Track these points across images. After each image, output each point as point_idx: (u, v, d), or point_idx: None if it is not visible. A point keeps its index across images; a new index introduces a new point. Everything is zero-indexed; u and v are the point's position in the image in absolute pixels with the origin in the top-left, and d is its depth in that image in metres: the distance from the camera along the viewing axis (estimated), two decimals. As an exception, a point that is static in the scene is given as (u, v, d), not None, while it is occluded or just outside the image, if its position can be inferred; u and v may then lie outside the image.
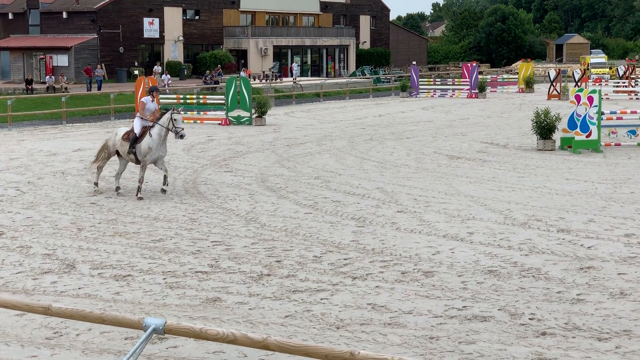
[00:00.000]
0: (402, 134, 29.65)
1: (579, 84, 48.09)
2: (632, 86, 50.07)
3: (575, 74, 50.58)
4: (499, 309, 9.76)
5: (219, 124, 34.11)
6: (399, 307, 9.88)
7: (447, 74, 79.06)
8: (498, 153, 24.21)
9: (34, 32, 70.58)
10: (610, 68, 68.61)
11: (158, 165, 17.64)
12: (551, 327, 9.13)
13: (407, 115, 38.42)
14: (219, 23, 76.55)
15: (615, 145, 24.85)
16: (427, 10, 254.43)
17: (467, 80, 51.91)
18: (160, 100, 36.64)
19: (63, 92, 50.92)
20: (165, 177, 17.46)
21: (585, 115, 23.69)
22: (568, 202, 16.46)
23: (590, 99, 23.74)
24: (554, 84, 49.25)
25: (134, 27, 69.13)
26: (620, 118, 25.09)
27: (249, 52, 76.32)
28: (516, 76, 59.71)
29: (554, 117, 24.50)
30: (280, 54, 79.25)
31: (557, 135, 25.04)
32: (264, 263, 11.99)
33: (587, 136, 23.89)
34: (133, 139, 17.44)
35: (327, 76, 79.05)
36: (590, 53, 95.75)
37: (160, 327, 5.08)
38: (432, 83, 55.85)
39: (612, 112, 25.34)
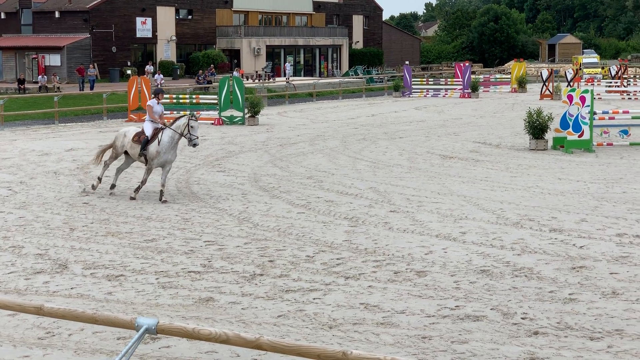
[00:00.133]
0: (394, 134, 29.67)
1: (571, 83, 48.18)
2: (624, 86, 50.19)
3: (567, 73, 50.69)
4: (491, 309, 9.77)
5: (212, 123, 34.08)
6: (392, 306, 9.89)
7: (440, 73, 79.12)
8: (491, 153, 24.24)
9: (27, 31, 70.42)
10: (603, 68, 68.75)
11: (164, 171, 17.20)
12: (543, 327, 9.15)
13: (399, 115, 38.44)
14: (212, 23, 76.49)
15: (608, 145, 24.91)
16: (420, 10, 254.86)
17: (460, 80, 51.97)
18: (153, 100, 36.62)
19: (55, 91, 50.84)
20: (161, 191, 17.03)
21: (578, 115, 23.73)
22: (560, 201, 16.49)
23: (583, 99, 23.79)
24: (547, 83, 49.34)
25: (126, 27, 69.04)
26: (613, 118, 25.15)
27: (241, 51, 76.29)
28: (509, 76, 59.80)
29: (547, 117, 24.55)
30: (273, 53, 79.24)
31: (549, 135, 25.09)
32: (256, 263, 11.99)
33: (579, 136, 23.94)
34: (145, 142, 17.12)
35: (320, 76, 79.08)
36: (583, 53, 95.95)
37: (153, 327, 5.08)
38: (424, 83, 55.93)
39: (604, 112, 25.40)
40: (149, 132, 17.23)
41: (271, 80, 66.75)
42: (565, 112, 23.93)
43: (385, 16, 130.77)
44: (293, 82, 59.94)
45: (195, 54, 73.12)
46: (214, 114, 34.82)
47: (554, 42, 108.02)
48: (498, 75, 65.06)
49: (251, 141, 27.83)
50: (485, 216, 15.09)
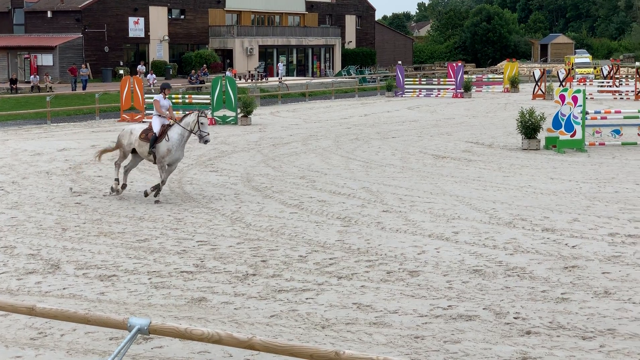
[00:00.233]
0: (387, 134, 29.68)
1: (563, 83, 48.28)
2: (616, 86, 50.30)
3: (559, 73, 50.79)
4: (484, 308, 9.79)
5: (205, 123, 33.99)
6: (385, 306, 9.89)
7: (433, 73, 79.20)
8: (483, 152, 24.27)
9: (19, 31, 70.25)
10: (595, 68, 68.89)
11: (169, 169, 16.92)
12: (536, 326, 9.16)
13: (392, 115, 38.46)
14: (205, 22, 76.42)
15: (600, 144, 24.96)
16: (413, 10, 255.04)
17: (453, 80, 52.03)
18: (146, 100, 36.58)
19: (48, 91, 50.75)
20: (158, 186, 16.78)
21: (570, 114, 23.78)
22: (553, 201, 16.52)
23: (575, 99, 23.83)
24: (539, 83, 49.43)
25: (119, 27, 68.93)
26: (605, 118, 25.20)
27: (234, 51, 76.23)
28: (501, 76, 59.90)
29: (539, 117, 24.59)
30: (265, 53, 79.20)
31: (541, 135, 25.13)
32: (249, 263, 11.98)
33: (571, 136, 23.98)
34: (153, 139, 16.68)
35: (312, 76, 79.08)
36: (575, 53, 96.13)
37: (145, 327, 5.07)
38: (417, 83, 55.97)
39: (596, 112, 25.45)
40: (157, 128, 16.78)
41: (264, 80, 66.72)
42: (558, 112, 23.98)
43: (378, 16, 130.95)
44: (286, 82, 59.94)
45: (188, 54, 73.05)
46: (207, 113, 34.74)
47: (546, 42, 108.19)
48: (490, 75, 65.14)
49: (244, 141, 27.81)
50: (477, 216, 15.11)
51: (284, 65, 73.61)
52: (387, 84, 54.88)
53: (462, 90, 50.96)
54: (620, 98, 47.16)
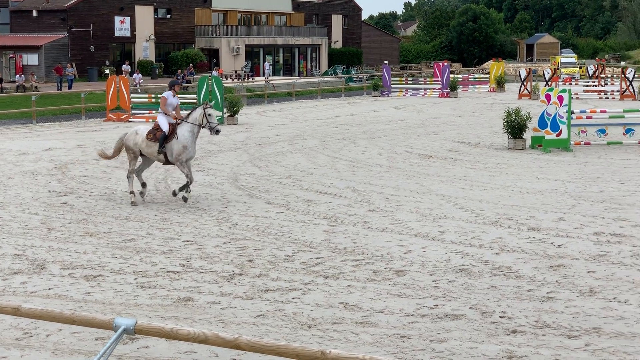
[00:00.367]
0: (374, 133, 29.71)
1: (549, 83, 48.41)
2: (602, 85, 50.48)
3: (545, 73, 50.92)
4: (470, 308, 9.81)
5: (191, 123, 33.93)
6: (371, 306, 9.90)
7: (419, 73, 79.29)
8: (469, 152, 24.32)
9: (4, 30, 69.97)
10: (580, 67, 69.11)
11: (188, 164, 16.43)
12: (521, 325, 9.19)
13: (379, 115, 38.50)
14: (191, 22, 76.33)
15: (585, 144, 25.05)
16: (399, 10, 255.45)
17: (439, 79, 52.10)
18: (132, 100, 36.49)
19: (33, 91, 50.56)
20: (187, 182, 16.32)
21: (556, 114, 23.85)
22: (538, 200, 16.57)
23: (561, 98, 23.90)
24: (525, 83, 49.57)
25: (104, 26, 68.76)
26: (590, 117, 25.30)
27: (220, 51, 76.16)
28: (487, 75, 60.03)
29: (525, 117, 24.65)
30: (252, 53, 79.16)
31: (527, 135, 25.19)
32: (235, 262, 11.97)
33: (557, 135, 24.05)
34: (162, 138, 16.19)
35: (299, 75, 79.08)
36: (561, 53, 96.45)
37: (131, 327, 5.07)
38: (404, 82, 56.02)
39: (581, 112, 25.54)
40: (165, 127, 16.28)
41: (250, 79, 66.66)
42: (543, 112, 24.05)
43: (365, 16, 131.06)
44: (272, 82, 59.91)
45: (174, 54, 72.94)
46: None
47: (532, 42, 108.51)
48: (477, 75, 65.27)
49: (230, 141, 27.78)
50: (464, 215, 15.14)
51: (270, 64, 73.57)
52: (373, 83, 54.92)
53: (449, 90, 51.04)
54: (606, 97, 47.33)
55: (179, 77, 59.46)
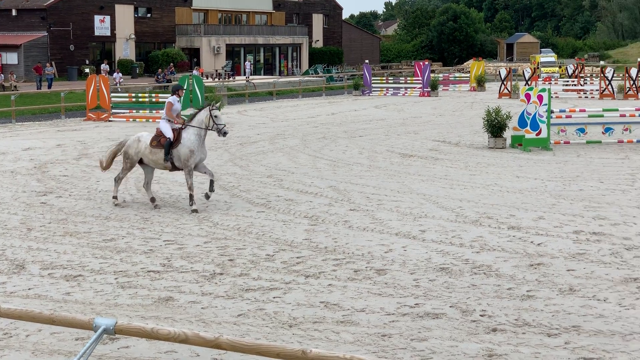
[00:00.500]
0: (354, 133, 29.73)
1: (529, 82, 48.63)
2: (581, 85, 50.75)
3: (525, 72, 51.13)
4: (450, 306, 9.84)
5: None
6: (352, 305, 9.92)
7: (400, 72, 79.42)
8: (450, 151, 24.38)
9: (-17, 29, 69.57)
10: (560, 67, 69.46)
11: (200, 170, 15.94)
12: (502, 324, 9.23)
13: (359, 114, 38.54)
14: (171, 21, 76.11)
15: (565, 143, 25.17)
16: (380, 9, 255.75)
17: (420, 78, 52.23)
18: (112, 99, 36.35)
19: (12, 90, 50.25)
20: (211, 181, 15.87)
21: (535, 113, 23.96)
22: (518, 199, 16.64)
23: (540, 98, 24.01)
24: (505, 82, 49.78)
25: (84, 25, 68.44)
26: (570, 116, 25.43)
27: (201, 50, 76.00)
28: (468, 75, 60.20)
29: (505, 116, 24.75)
30: (233, 52, 79.04)
31: (507, 134, 25.30)
32: (216, 262, 11.96)
33: (537, 134, 24.16)
34: (168, 144, 15.60)
35: (280, 75, 79.05)
36: (540, 52, 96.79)
37: (111, 327, 5.06)
38: (384, 81, 56.11)
39: (561, 111, 25.66)
40: (169, 133, 15.67)
41: (231, 79, 66.57)
42: (523, 111, 24.15)
43: (345, 15, 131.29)
44: (253, 81, 59.86)
45: (155, 53, 72.72)
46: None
47: (512, 41, 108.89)
48: (457, 74, 65.48)
49: (211, 140, 27.70)
50: (444, 214, 15.18)
51: (251, 64, 73.50)
52: (354, 82, 54.97)
53: (429, 89, 51.16)
54: (585, 97, 47.57)
55: (159, 76, 59.31)
